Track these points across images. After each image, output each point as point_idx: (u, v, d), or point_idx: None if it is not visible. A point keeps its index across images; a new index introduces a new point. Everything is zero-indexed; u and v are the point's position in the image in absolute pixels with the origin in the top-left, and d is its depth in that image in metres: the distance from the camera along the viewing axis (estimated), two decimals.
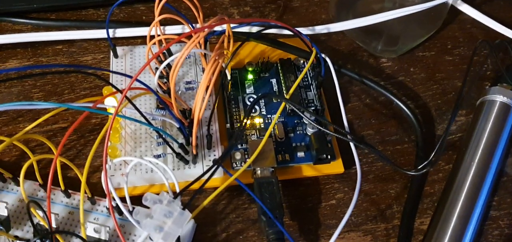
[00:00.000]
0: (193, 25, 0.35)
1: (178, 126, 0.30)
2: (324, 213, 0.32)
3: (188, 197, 0.31)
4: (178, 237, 0.27)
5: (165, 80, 0.34)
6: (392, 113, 0.37)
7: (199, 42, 0.32)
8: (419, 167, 0.32)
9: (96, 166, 0.33)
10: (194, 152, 0.30)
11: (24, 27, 0.40)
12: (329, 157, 0.32)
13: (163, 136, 0.30)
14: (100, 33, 0.39)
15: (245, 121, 0.31)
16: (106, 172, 0.26)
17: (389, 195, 0.33)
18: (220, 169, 0.30)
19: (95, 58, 0.39)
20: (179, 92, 0.34)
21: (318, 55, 0.34)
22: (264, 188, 0.30)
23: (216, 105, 0.32)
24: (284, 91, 0.35)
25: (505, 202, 0.33)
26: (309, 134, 0.33)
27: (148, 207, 0.26)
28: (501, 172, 0.34)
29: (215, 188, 0.29)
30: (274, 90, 0.36)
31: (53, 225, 0.27)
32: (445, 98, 0.38)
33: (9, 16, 0.40)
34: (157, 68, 0.35)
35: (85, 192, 0.28)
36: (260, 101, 0.35)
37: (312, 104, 0.35)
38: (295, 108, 0.33)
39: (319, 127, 0.32)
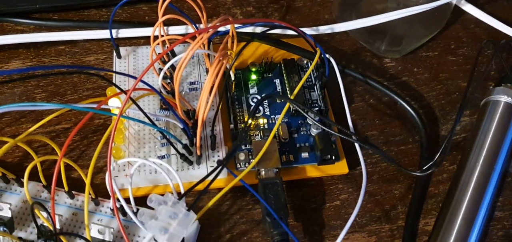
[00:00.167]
0: (197, 25, 0.35)
1: (182, 127, 0.30)
2: (328, 213, 0.32)
3: (192, 198, 0.31)
4: (183, 239, 0.26)
5: (168, 81, 0.34)
6: (396, 114, 0.37)
7: (202, 43, 0.32)
8: (424, 168, 0.32)
9: (99, 166, 0.32)
10: (198, 153, 0.30)
11: (26, 27, 0.40)
12: (333, 157, 0.32)
13: (167, 137, 0.30)
14: (103, 34, 0.39)
15: (249, 121, 0.31)
16: (111, 173, 0.26)
17: (393, 196, 0.33)
18: (225, 170, 0.30)
19: (98, 59, 0.39)
20: (183, 93, 0.34)
21: (322, 56, 0.34)
22: (269, 189, 0.30)
23: (220, 106, 0.32)
24: (288, 92, 0.35)
25: (510, 203, 0.33)
26: (313, 135, 0.33)
27: (152, 208, 0.26)
28: (506, 173, 0.34)
29: (219, 189, 0.28)
30: (278, 90, 0.36)
31: (57, 226, 0.27)
32: (449, 99, 0.38)
33: (12, 17, 0.40)
34: (160, 69, 0.35)
35: (89, 193, 0.28)
36: (264, 101, 0.35)
37: (316, 105, 0.35)
38: (299, 109, 0.33)
39: (324, 128, 0.32)
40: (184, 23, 0.36)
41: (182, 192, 0.27)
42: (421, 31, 0.40)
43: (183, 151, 0.30)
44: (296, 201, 0.32)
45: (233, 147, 0.31)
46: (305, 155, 0.32)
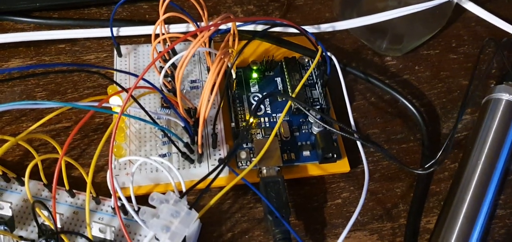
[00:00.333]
0: (198, 23, 0.35)
1: (183, 125, 0.30)
2: (330, 212, 0.32)
3: (194, 196, 0.31)
4: (185, 237, 0.26)
5: (169, 79, 0.34)
6: (398, 112, 0.37)
7: (204, 41, 0.32)
8: (426, 166, 0.32)
9: (100, 165, 0.32)
10: (200, 151, 0.30)
11: (26, 26, 0.40)
12: (335, 155, 0.32)
13: (168, 135, 0.30)
14: (103, 32, 0.39)
15: (250, 120, 0.31)
16: (112, 172, 0.26)
17: (395, 194, 0.33)
18: (226, 168, 0.30)
19: (98, 57, 0.38)
20: (184, 91, 0.34)
21: (324, 54, 0.34)
22: (270, 187, 0.30)
23: (221, 104, 0.31)
24: (289, 90, 0.35)
25: (511, 201, 0.33)
26: (315, 133, 0.33)
27: (153, 207, 0.26)
28: (507, 171, 0.34)
29: (221, 188, 0.28)
30: (279, 89, 0.36)
31: (58, 225, 0.27)
32: (450, 97, 0.38)
33: (12, 15, 0.40)
34: (161, 67, 0.34)
35: (90, 192, 0.28)
36: (265, 100, 0.35)
37: (318, 103, 0.35)
38: (301, 107, 0.33)
39: (325, 126, 0.32)
40: (185, 21, 0.36)
41: (184, 190, 0.27)
42: (422, 30, 0.40)
43: (184, 149, 0.30)
44: (297, 199, 0.32)
45: (234, 146, 0.31)
46: (306, 153, 0.32)
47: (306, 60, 0.37)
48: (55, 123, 0.34)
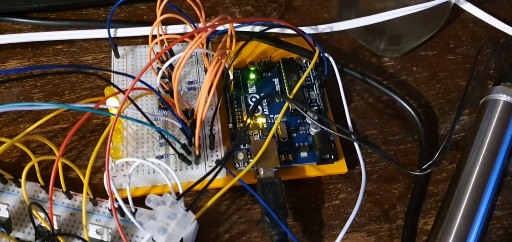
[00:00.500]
0: (195, 24, 0.35)
1: (180, 126, 0.30)
2: (327, 213, 0.32)
3: (191, 198, 0.31)
4: (181, 239, 0.26)
5: (167, 80, 0.34)
6: (395, 113, 0.37)
7: (201, 42, 0.32)
8: (424, 167, 0.32)
9: (97, 167, 0.32)
10: (197, 153, 0.30)
11: (24, 27, 0.40)
12: (332, 157, 0.32)
13: (166, 137, 0.30)
14: (101, 33, 0.39)
15: (248, 121, 0.31)
16: (109, 173, 0.26)
17: (392, 195, 0.33)
18: (223, 170, 0.30)
19: (95, 58, 0.38)
20: (181, 92, 0.34)
21: (321, 55, 0.34)
22: (268, 189, 0.29)
23: (219, 105, 0.31)
24: (287, 91, 0.35)
25: (509, 202, 0.33)
26: (312, 134, 0.33)
27: (150, 209, 0.26)
28: (505, 172, 0.34)
29: (218, 189, 0.28)
30: (277, 90, 0.36)
31: (55, 227, 0.27)
32: (448, 98, 0.38)
33: (9, 16, 0.40)
34: (159, 69, 0.34)
35: (87, 193, 0.28)
36: (263, 101, 0.35)
37: (315, 104, 0.34)
38: (298, 108, 0.33)
39: (322, 127, 0.32)
40: (182, 22, 0.36)
41: (181, 192, 0.27)
42: (420, 30, 0.40)
43: (181, 151, 0.30)
44: (295, 200, 0.32)
45: (231, 147, 0.31)
46: (304, 154, 0.32)
47: (304, 61, 0.37)
48: (53, 124, 0.34)
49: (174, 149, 0.30)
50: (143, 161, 0.28)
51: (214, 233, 0.30)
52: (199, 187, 0.27)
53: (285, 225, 0.28)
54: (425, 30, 0.41)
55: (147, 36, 0.35)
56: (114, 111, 0.31)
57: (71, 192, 0.30)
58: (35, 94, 0.36)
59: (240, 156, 0.32)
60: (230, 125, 0.33)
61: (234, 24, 0.34)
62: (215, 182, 0.28)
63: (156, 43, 0.33)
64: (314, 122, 0.33)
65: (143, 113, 0.28)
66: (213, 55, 0.29)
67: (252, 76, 0.36)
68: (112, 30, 0.38)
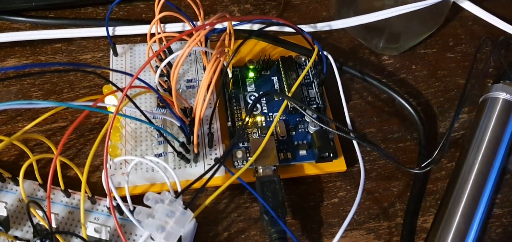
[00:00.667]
0: (194, 22, 0.35)
1: (179, 125, 0.30)
2: (326, 211, 0.32)
3: (190, 196, 0.31)
4: (180, 237, 0.26)
5: (165, 78, 0.34)
6: (394, 111, 0.37)
7: (199, 40, 0.32)
8: (423, 165, 0.32)
9: (96, 165, 0.32)
10: (196, 151, 0.30)
11: (22, 25, 0.40)
12: (331, 155, 0.32)
13: (164, 135, 0.30)
14: (100, 31, 0.39)
15: (247, 119, 0.31)
16: (107, 171, 0.26)
17: (391, 193, 0.33)
18: (222, 168, 0.30)
19: (94, 57, 0.38)
20: (180, 90, 0.34)
21: (320, 53, 0.34)
22: (266, 187, 0.29)
23: (217, 104, 0.31)
24: (286, 89, 0.35)
25: (508, 200, 0.33)
26: (311, 132, 0.33)
27: (149, 207, 0.26)
28: (504, 170, 0.34)
29: (217, 187, 0.28)
30: (275, 88, 0.35)
31: (53, 225, 0.27)
32: (447, 96, 0.38)
33: (7, 14, 0.40)
34: (157, 67, 0.34)
35: (85, 192, 0.28)
36: (262, 99, 0.34)
37: (314, 102, 0.34)
38: (297, 106, 0.32)
39: (321, 125, 0.32)
40: (181, 21, 0.36)
41: (179, 190, 0.27)
42: (419, 28, 0.40)
43: (180, 149, 0.30)
44: (294, 198, 0.32)
45: (230, 145, 0.31)
46: (303, 152, 0.32)
47: (303, 59, 0.37)
48: (51, 123, 0.34)
49: (173, 147, 0.30)
50: (142, 159, 0.28)
51: (213, 231, 0.30)
52: (197, 185, 0.27)
53: (284, 223, 0.28)
54: (424, 28, 0.41)
55: (145, 35, 0.35)
56: (113, 109, 0.31)
57: (70, 190, 0.30)
58: (33, 92, 0.36)
59: (239, 154, 0.31)
60: (229, 123, 0.33)
61: (233, 22, 0.34)
62: (213, 180, 0.28)
63: (155, 41, 0.33)
64: (313, 120, 0.32)
65: (141, 111, 0.28)
66: (211, 53, 0.29)
67: (251, 74, 0.36)
68: (110, 29, 0.38)
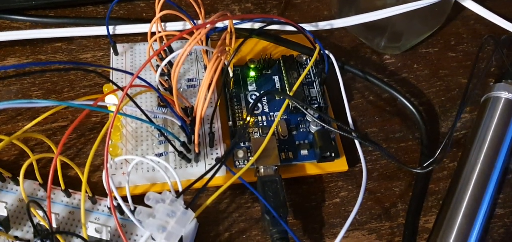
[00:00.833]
0: (195, 21, 0.34)
1: (180, 124, 0.30)
2: (328, 211, 0.32)
3: (190, 195, 0.31)
4: (181, 237, 0.26)
5: (166, 77, 0.33)
6: (396, 111, 0.37)
7: (200, 39, 0.32)
8: (425, 165, 0.32)
9: (96, 164, 0.32)
10: (197, 150, 0.30)
11: (22, 24, 0.40)
12: (333, 154, 0.31)
13: (165, 134, 0.30)
14: (100, 30, 0.38)
15: (248, 118, 0.31)
16: (107, 171, 0.25)
17: (393, 193, 0.33)
18: (223, 168, 0.30)
19: (94, 56, 0.38)
20: (181, 89, 0.34)
21: (322, 52, 0.33)
22: (268, 187, 0.29)
23: (218, 103, 0.31)
24: (287, 89, 0.35)
25: (510, 200, 0.33)
26: (313, 132, 0.33)
27: (150, 207, 0.26)
28: (506, 169, 0.34)
29: (218, 187, 0.28)
30: (277, 87, 0.35)
31: (54, 225, 0.27)
32: (449, 95, 0.38)
33: (7, 13, 0.40)
34: (158, 66, 0.34)
35: (86, 191, 0.28)
36: (263, 98, 0.34)
37: (315, 102, 0.34)
38: (298, 106, 0.32)
39: (323, 124, 0.32)
40: (181, 19, 0.36)
41: (180, 190, 0.27)
42: (420, 27, 0.40)
43: (181, 149, 0.30)
44: (295, 198, 0.32)
45: (231, 144, 0.31)
46: (304, 152, 0.32)
47: (304, 58, 0.37)
48: (51, 122, 0.34)
49: (174, 146, 0.30)
50: (142, 159, 0.28)
51: (214, 231, 0.30)
52: (198, 185, 0.27)
53: (286, 223, 0.28)
54: (426, 28, 0.41)
55: (146, 33, 0.35)
56: (113, 108, 0.31)
57: (70, 190, 0.29)
58: (33, 91, 0.36)
59: (240, 153, 0.31)
60: (230, 123, 0.33)
61: (234, 21, 0.34)
62: (214, 180, 0.28)
63: (155, 40, 0.33)
64: (315, 119, 0.32)
65: (142, 110, 0.28)
66: (212, 52, 0.29)
67: (252, 73, 0.36)
68: (111, 27, 0.38)
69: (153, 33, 0.33)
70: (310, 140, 0.33)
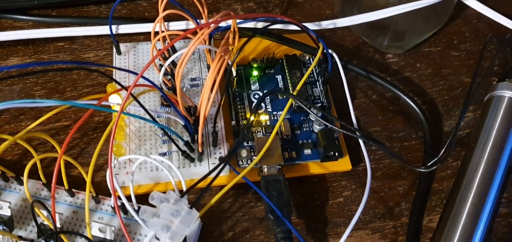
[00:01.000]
0: (198, 21, 0.34)
1: (183, 123, 0.30)
2: (331, 211, 0.32)
3: (194, 195, 0.31)
4: (185, 236, 0.26)
5: (169, 77, 0.33)
6: (399, 110, 0.37)
7: (204, 39, 0.32)
8: (429, 164, 0.32)
9: (100, 164, 0.32)
10: (200, 150, 0.30)
11: (25, 24, 0.40)
12: (336, 154, 0.31)
13: (169, 134, 0.30)
14: (102, 30, 0.38)
15: (251, 118, 0.31)
16: (112, 171, 0.25)
17: (397, 193, 0.33)
18: (227, 167, 0.30)
19: (97, 55, 0.38)
20: (184, 89, 0.34)
21: (325, 51, 0.33)
22: (271, 186, 0.29)
23: (222, 102, 0.31)
24: (290, 88, 0.35)
25: None
26: (316, 131, 0.33)
27: (154, 206, 0.25)
28: (510, 168, 0.34)
29: (221, 186, 0.28)
30: (280, 86, 0.35)
31: (58, 225, 0.27)
32: (452, 94, 0.38)
33: (10, 13, 0.40)
34: (161, 65, 0.34)
35: (90, 191, 0.28)
36: (266, 98, 0.34)
37: (319, 101, 0.34)
38: (302, 105, 0.32)
39: (326, 124, 0.32)
40: (185, 19, 0.36)
41: (184, 189, 0.27)
42: (423, 26, 0.40)
43: (184, 148, 0.30)
44: (299, 198, 0.32)
45: (235, 144, 0.31)
46: (307, 151, 0.32)
47: (307, 57, 0.37)
48: (54, 122, 0.34)
49: (177, 146, 0.30)
50: (146, 158, 0.28)
51: (218, 230, 0.30)
52: (202, 184, 0.27)
53: (290, 222, 0.28)
54: (429, 27, 0.41)
55: (149, 33, 0.35)
56: (117, 108, 0.31)
57: (74, 190, 0.29)
58: (36, 91, 0.36)
59: (244, 153, 0.31)
60: (233, 122, 0.33)
61: (237, 21, 0.34)
62: (218, 180, 0.28)
63: (158, 39, 0.33)
64: (318, 118, 0.32)
65: (146, 110, 0.28)
66: (215, 52, 0.29)
67: (255, 73, 0.36)
68: (113, 27, 0.38)
69: (156, 33, 0.33)
70: (314, 139, 0.33)
